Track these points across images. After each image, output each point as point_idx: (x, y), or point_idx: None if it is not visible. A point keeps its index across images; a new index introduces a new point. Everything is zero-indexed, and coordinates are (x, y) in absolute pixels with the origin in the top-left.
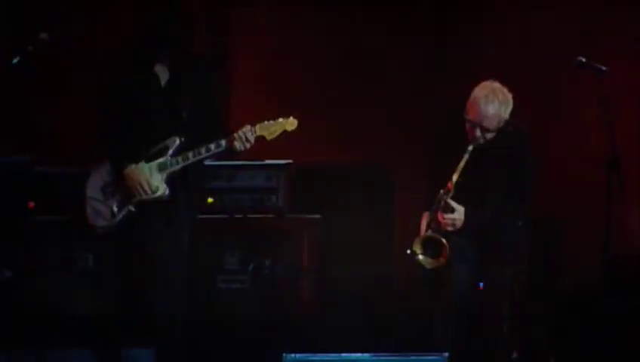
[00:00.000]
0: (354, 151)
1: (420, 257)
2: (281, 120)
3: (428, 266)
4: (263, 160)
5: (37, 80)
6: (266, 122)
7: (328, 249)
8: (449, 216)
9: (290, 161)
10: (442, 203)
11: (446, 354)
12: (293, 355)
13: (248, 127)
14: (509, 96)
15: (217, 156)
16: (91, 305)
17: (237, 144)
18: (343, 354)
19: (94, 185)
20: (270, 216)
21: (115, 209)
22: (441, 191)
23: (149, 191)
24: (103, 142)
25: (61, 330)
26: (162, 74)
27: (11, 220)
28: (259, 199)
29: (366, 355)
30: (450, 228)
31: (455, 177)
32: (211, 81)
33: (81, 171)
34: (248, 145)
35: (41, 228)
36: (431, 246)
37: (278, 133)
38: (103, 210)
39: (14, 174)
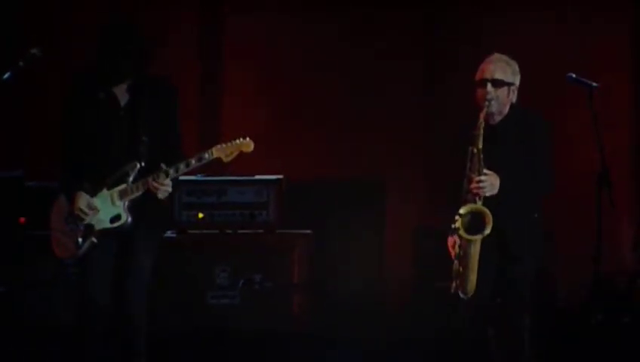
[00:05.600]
0: (345, 165)
1: (465, 234)
2: (237, 141)
3: (473, 240)
4: (253, 175)
5: (28, 94)
6: (222, 145)
7: (319, 264)
8: (484, 177)
9: (280, 176)
10: (475, 159)
11: None
12: None
13: (204, 154)
14: (516, 66)
15: (204, 169)
16: None
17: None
18: None
19: (58, 216)
20: (260, 231)
21: (80, 240)
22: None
23: (88, 216)
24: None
25: (53, 344)
26: (121, 94)
27: (3, 235)
28: (249, 214)
29: None
30: (487, 191)
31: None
32: (172, 104)
33: None
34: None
35: (33, 243)
36: (473, 222)
37: (234, 155)
38: (67, 241)
39: (7, 189)
